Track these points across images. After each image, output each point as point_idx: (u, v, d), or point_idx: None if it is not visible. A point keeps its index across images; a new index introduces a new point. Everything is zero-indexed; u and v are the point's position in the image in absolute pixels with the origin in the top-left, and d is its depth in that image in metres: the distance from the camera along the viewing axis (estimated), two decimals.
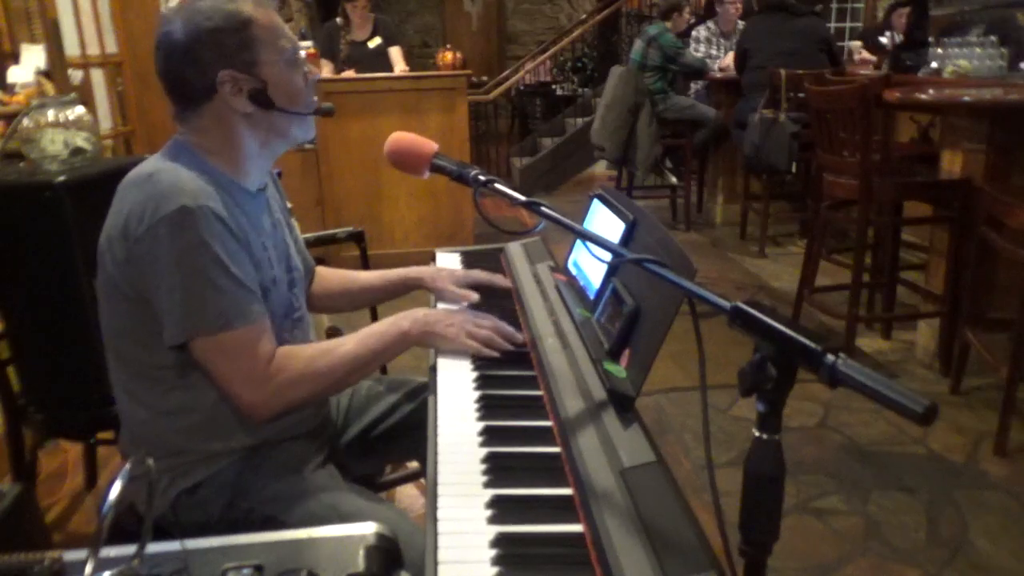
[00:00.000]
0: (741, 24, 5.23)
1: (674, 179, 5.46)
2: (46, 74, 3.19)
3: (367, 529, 0.78)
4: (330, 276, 1.51)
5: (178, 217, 1.01)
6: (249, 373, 1.06)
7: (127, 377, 1.14)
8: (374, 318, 1.99)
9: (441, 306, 1.40)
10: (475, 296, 1.38)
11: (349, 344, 1.16)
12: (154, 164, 1.09)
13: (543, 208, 0.99)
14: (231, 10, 1.09)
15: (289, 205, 1.69)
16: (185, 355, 1.07)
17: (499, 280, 1.47)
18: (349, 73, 4.52)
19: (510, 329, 1.22)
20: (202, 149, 1.13)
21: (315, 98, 1.21)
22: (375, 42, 4.69)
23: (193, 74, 1.09)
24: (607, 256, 1.12)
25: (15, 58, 3.30)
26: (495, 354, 1.18)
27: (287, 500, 1.13)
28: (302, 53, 1.18)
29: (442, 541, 0.77)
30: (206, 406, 1.11)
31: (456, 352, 1.21)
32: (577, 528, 0.79)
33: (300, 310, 1.26)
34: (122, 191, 1.08)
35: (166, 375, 1.10)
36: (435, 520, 0.80)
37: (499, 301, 1.43)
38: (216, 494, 1.13)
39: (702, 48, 5.28)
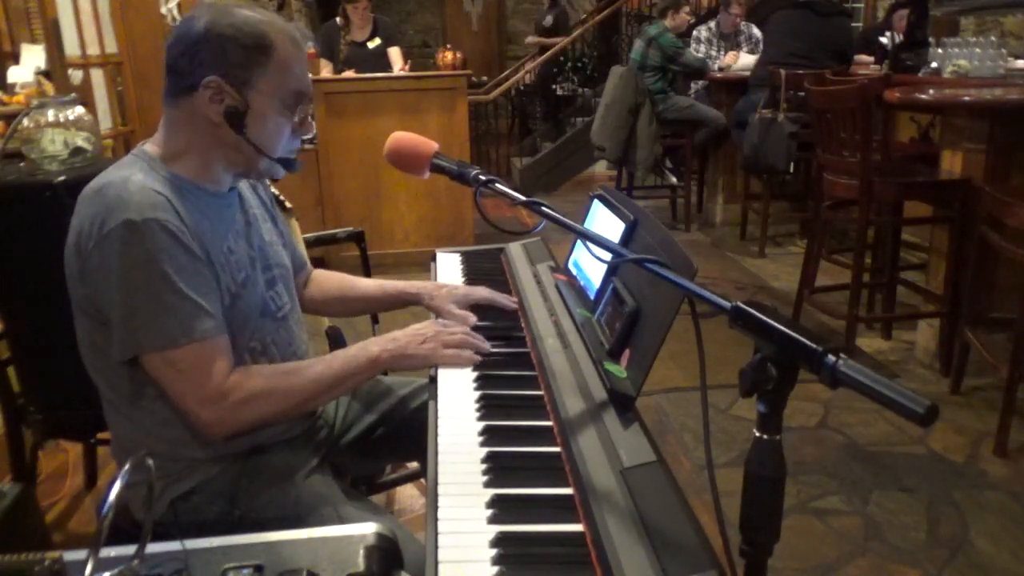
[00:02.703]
0: (743, 26, 5.23)
1: (674, 179, 5.46)
2: (46, 74, 3.20)
3: (367, 529, 0.78)
4: (328, 280, 1.49)
5: (123, 232, 0.99)
6: (200, 390, 1.03)
7: (106, 389, 1.13)
8: (375, 320, 1.99)
9: (441, 321, 1.38)
10: (473, 318, 1.32)
11: (315, 367, 1.13)
12: (106, 176, 1.06)
13: (543, 208, 0.99)
14: (257, 29, 1.07)
15: (289, 205, 1.69)
16: (143, 371, 1.06)
17: (502, 300, 1.40)
18: (349, 73, 4.52)
19: (479, 337, 1.21)
20: (167, 153, 1.12)
21: (293, 151, 1.17)
22: (375, 43, 4.70)
23: (185, 65, 1.07)
24: (607, 256, 1.12)
25: (15, 58, 3.31)
26: (478, 359, 1.18)
27: (281, 507, 1.13)
28: (308, 107, 1.14)
29: (442, 541, 0.77)
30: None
31: None
32: (577, 528, 0.79)
33: (283, 308, 1.24)
34: (78, 205, 1.06)
35: (140, 389, 1.09)
36: (435, 520, 0.81)
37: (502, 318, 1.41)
38: (210, 500, 1.13)
39: (702, 48, 5.29)
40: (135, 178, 1.04)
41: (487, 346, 1.20)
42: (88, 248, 1.02)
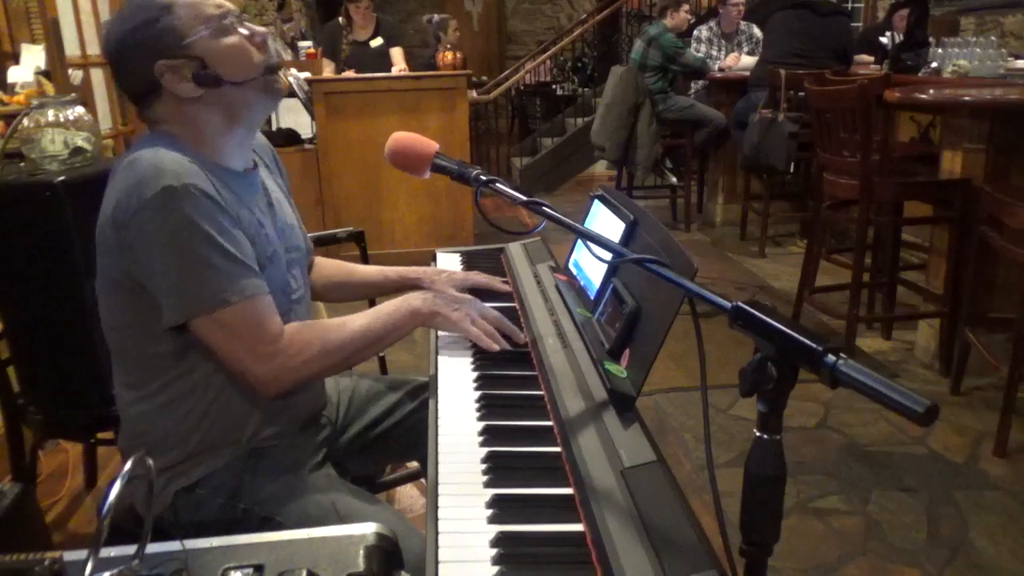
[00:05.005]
0: (744, 25, 5.23)
1: (674, 179, 5.46)
2: (46, 74, 3.19)
3: (367, 529, 0.78)
4: (329, 266, 1.51)
5: (163, 198, 1.00)
6: (255, 347, 1.05)
7: (127, 371, 1.14)
8: None
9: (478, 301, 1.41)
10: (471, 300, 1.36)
11: (361, 319, 1.16)
12: (133, 151, 1.08)
13: (544, 208, 0.99)
14: (147, 2, 1.09)
15: None
16: (184, 340, 1.07)
17: (498, 284, 1.46)
18: (349, 73, 4.52)
19: (514, 327, 1.23)
20: (177, 137, 1.12)
21: (272, 56, 1.16)
22: (377, 42, 4.70)
23: (132, 77, 1.10)
24: (608, 256, 1.12)
25: (15, 58, 3.31)
26: (495, 347, 1.18)
27: (284, 501, 1.13)
28: (236, 18, 1.13)
29: (443, 540, 0.77)
30: (207, 398, 1.11)
31: (456, 351, 1.21)
32: (577, 527, 0.79)
33: (299, 290, 1.26)
34: (110, 178, 1.08)
35: (167, 365, 1.10)
36: (436, 520, 0.80)
37: (498, 302, 1.43)
38: (213, 494, 1.13)
39: (703, 48, 5.29)
40: (165, 149, 1.06)
41: (522, 337, 1.22)
42: (126, 218, 1.02)
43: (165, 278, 1.03)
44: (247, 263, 1.06)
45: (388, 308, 1.19)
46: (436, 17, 5.57)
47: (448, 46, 5.00)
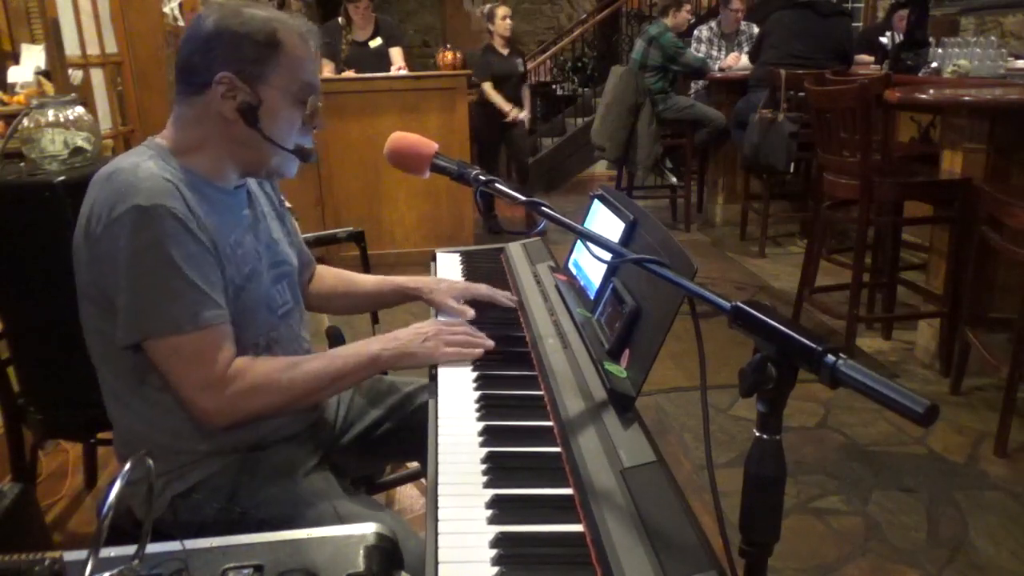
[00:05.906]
0: (744, 25, 5.23)
1: (674, 179, 5.46)
2: (46, 74, 3.19)
3: (367, 529, 0.78)
4: (329, 276, 1.50)
5: (132, 217, 1.00)
6: (202, 378, 1.04)
7: (113, 380, 1.13)
8: (375, 319, 1.99)
9: (442, 318, 1.39)
10: (472, 312, 1.34)
11: (316, 362, 1.14)
12: (117, 162, 1.07)
13: (544, 208, 0.99)
14: (267, 25, 1.09)
15: (288, 205, 1.69)
16: (146, 357, 1.06)
17: (501, 297, 1.41)
18: (349, 73, 4.52)
19: (482, 335, 1.21)
20: (177, 147, 1.12)
21: (307, 144, 1.18)
22: (376, 42, 4.69)
23: (198, 62, 1.09)
24: (607, 256, 1.12)
25: (15, 58, 3.31)
26: (480, 352, 1.18)
27: (282, 504, 1.13)
28: (315, 100, 1.16)
29: (442, 541, 0.77)
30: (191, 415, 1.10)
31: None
32: (577, 528, 0.79)
33: (287, 304, 1.25)
34: (89, 189, 1.07)
35: (144, 376, 1.09)
36: (435, 520, 0.80)
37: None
38: (210, 498, 1.13)
39: (703, 48, 5.29)
40: (145, 165, 1.05)
41: (490, 343, 1.20)
42: (97, 232, 1.02)
43: (124, 297, 1.03)
44: (207, 291, 1.05)
45: (347, 352, 1.16)
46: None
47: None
